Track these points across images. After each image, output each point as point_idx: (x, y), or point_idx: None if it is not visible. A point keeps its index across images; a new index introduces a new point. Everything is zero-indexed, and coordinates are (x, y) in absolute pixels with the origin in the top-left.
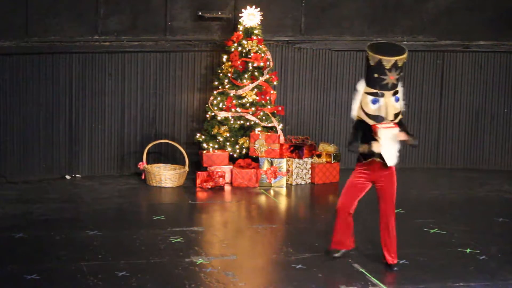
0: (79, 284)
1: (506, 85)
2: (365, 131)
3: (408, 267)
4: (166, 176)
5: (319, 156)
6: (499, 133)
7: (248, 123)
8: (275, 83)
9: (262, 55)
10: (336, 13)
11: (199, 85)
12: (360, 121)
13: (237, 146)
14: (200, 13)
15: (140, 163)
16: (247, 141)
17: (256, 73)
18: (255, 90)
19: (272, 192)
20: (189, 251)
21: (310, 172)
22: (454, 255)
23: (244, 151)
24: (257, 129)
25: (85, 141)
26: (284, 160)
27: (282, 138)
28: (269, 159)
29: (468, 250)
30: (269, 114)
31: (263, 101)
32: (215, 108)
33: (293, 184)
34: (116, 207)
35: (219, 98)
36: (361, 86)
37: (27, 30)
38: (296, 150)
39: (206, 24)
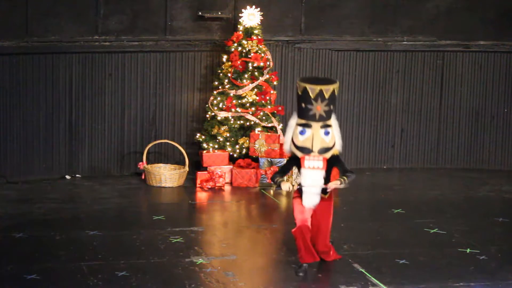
0: (79, 284)
1: (506, 85)
2: (297, 165)
3: (408, 267)
4: (166, 176)
5: None
6: (499, 133)
7: (248, 123)
8: (275, 83)
9: (262, 55)
10: (336, 13)
11: (199, 85)
12: (291, 158)
13: (237, 146)
14: (200, 13)
15: (140, 163)
16: (247, 141)
17: (256, 73)
18: (255, 90)
19: (272, 192)
20: (189, 251)
21: None
22: (454, 255)
23: (244, 151)
24: (257, 129)
25: (85, 141)
26: (284, 160)
27: (282, 138)
28: (269, 159)
29: (468, 250)
30: (269, 114)
31: (263, 101)
32: (215, 108)
33: (293, 184)
34: (116, 207)
35: (219, 98)
36: (294, 119)
37: (27, 30)
38: None
39: (206, 24)
